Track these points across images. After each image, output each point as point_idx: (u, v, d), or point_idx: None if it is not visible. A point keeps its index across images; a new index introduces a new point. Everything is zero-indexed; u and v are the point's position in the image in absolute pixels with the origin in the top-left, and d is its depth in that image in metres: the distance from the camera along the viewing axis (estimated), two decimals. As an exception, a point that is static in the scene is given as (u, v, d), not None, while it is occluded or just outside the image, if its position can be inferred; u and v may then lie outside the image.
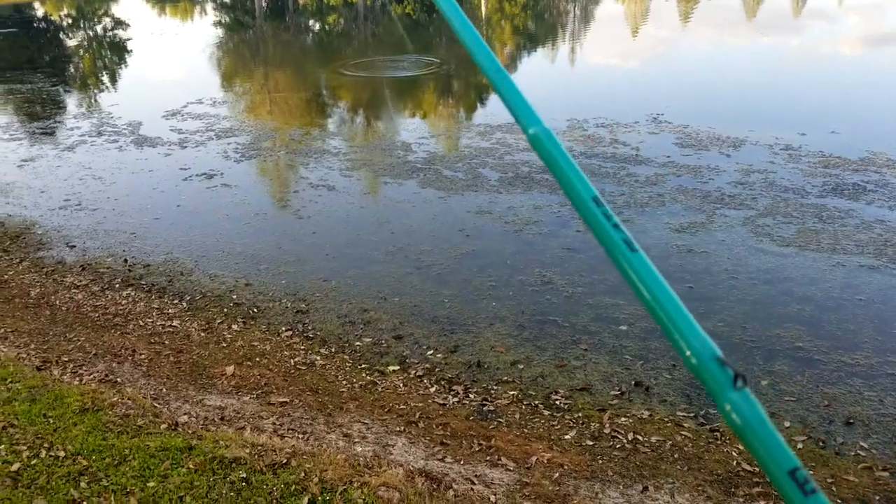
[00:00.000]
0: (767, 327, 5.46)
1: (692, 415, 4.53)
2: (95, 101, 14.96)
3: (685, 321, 0.61)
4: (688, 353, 0.60)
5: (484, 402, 4.68)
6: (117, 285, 6.57)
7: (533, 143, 0.73)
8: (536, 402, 4.68)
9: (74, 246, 7.48)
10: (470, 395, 4.76)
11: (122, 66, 20.67)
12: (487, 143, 10.19)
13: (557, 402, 4.66)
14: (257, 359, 5.26)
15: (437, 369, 5.10)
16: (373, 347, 5.44)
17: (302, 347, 5.47)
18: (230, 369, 5.03)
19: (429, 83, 15.37)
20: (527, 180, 8.59)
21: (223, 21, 31.86)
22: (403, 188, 8.66)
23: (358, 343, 5.50)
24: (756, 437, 0.56)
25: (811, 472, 4.07)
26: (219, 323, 5.86)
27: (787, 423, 4.40)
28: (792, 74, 15.02)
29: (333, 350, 5.43)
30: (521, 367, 5.07)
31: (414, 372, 5.08)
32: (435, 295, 6.13)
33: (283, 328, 5.75)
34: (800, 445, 4.22)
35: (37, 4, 37.91)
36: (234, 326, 5.80)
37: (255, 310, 6.06)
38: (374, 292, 6.24)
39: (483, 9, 30.86)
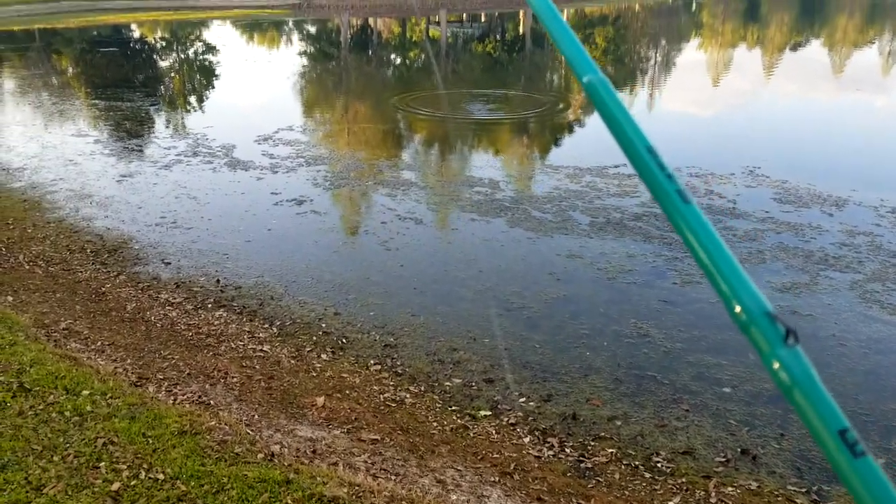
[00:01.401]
0: (882, 400, 5.13)
1: (804, 490, 4.25)
2: (191, 122, 15.44)
3: (736, 275, 0.60)
4: (737, 308, 0.58)
5: (581, 459, 4.48)
6: (210, 305, 6.64)
7: (588, 91, 0.73)
8: (636, 463, 4.46)
9: (169, 263, 7.62)
10: (566, 450, 4.57)
11: (217, 89, 21.35)
12: (577, 185, 10.03)
13: (659, 465, 4.43)
14: (347, 391, 5.19)
15: (530, 418, 4.93)
16: (463, 389, 5.31)
17: (391, 383, 5.38)
18: (320, 400, 4.97)
19: (514, 122, 15.35)
20: (619, 226, 8.39)
21: (309, 51, 32.74)
22: (491, 226, 8.57)
23: (448, 383, 5.38)
24: (805, 397, 0.54)
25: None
26: (308, 351, 5.84)
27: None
28: (893, 133, 14.45)
29: (423, 388, 5.32)
30: (619, 423, 4.86)
31: (506, 419, 4.92)
32: (526, 339, 5.98)
33: (372, 361, 5.68)
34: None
35: (134, 26, 39.75)
36: (324, 356, 5.76)
37: (344, 340, 6.02)
38: (464, 331, 6.13)
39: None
